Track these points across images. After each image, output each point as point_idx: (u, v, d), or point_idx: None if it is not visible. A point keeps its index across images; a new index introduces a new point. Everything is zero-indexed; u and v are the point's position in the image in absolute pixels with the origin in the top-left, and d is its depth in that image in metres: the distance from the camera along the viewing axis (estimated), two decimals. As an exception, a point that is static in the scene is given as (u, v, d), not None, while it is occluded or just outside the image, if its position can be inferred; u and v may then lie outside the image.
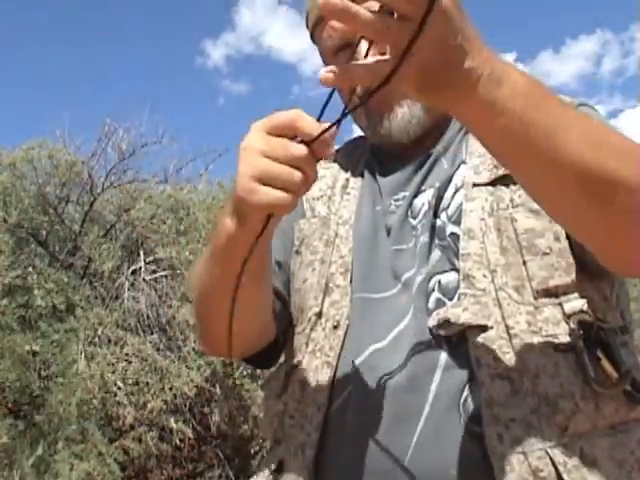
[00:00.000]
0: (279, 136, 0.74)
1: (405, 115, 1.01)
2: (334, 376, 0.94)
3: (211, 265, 0.90)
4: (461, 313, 0.88)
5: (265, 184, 0.73)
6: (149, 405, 5.32)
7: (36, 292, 5.38)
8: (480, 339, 0.86)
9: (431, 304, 0.92)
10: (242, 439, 6.07)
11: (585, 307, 0.86)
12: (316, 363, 0.97)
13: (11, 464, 4.71)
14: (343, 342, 0.95)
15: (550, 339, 0.85)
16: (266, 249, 0.89)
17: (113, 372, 5.33)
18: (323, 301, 0.99)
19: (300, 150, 0.73)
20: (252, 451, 6.05)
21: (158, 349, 5.83)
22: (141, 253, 6.40)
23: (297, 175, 0.73)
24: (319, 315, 0.99)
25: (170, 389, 5.42)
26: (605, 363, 0.83)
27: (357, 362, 0.92)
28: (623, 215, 0.73)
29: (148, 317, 6.03)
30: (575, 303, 0.87)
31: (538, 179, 0.73)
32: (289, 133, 0.73)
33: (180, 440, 5.63)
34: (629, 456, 0.84)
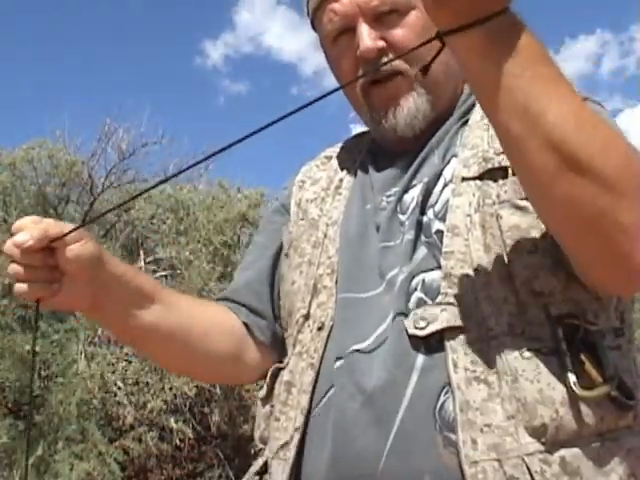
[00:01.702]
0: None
1: (411, 109, 0.98)
2: (317, 378, 0.93)
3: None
4: (439, 313, 0.85)
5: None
6: (149, 405, 5.33)
7: (36, 292, 5.37)
8: (458, 341, 0.83)
9: (412, 304, 0.89)
10: (242, 439, 6.07)
11: (572, 308, 0.84)
12: (302, 365, 0.96)
13: (11, 464, 4.72)
14: (326, 343, 0.94)
15: (532, 342, 0.82)
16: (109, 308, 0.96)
17: (113, 372, 5.33)
18: (311, 303, 0.98)
19: (6, 248, 0.86)
20: (252, 451, 6.01)
21: (158, 349, 5.82)
22: (141, 253, 6.41)
23: (10, 267, 0.86)
24: (306, 317, 0.98)
25: (170, 389, 5.43)
26: (589, 367, 0.80)
27: (338, 364, 0.91)
28: (588, 203, 0.72)
29: (148, 317, 6.02)
30: (561, 304, 0.84)
31: (508, 127, 0.73)
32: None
33: (180, 440, 5.64)
34: (617, 466, 0.80)
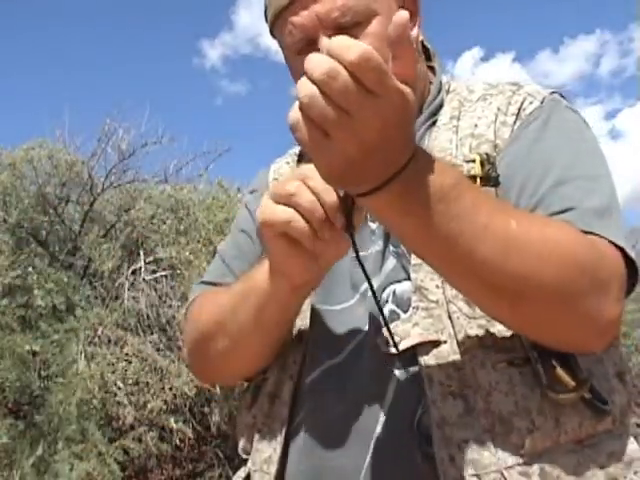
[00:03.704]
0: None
1: None
2: (296, 391, 0.92)
3: (241, 309, 0.92)
4: (410, 329, 0.85)
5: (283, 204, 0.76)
6: (149, 405, 5.32)
7: (36, 292, 5.38)
8: (432, 355, 0.83)
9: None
10: (242, 439, 6.06)
11: None
12: (281, 376, 0.95)
13: (11, 464, 4.71)
14: (304, 355, 0.93)
15: (503, 353, 0.82)
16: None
17: (113, 372, 5.33)
18: None
19: (331, 196, 0.75)
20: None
21: (158, 349, 5.83)
22: (141, 253, 6.40)
23: (317, 209, 0.75)
24: None
25: (170, 389, 5.42)
26: (560, 372, 0.80)
27: (314, 378, 0.90)
28: (537, 312, 0.75)
29: (148, 317, 6.03)
30: None
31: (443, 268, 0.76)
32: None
33: (180, 440, 5.63)
34: (598, 471, 0.79)
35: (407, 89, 0.62)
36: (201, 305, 1.02)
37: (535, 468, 0.78)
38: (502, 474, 0.77)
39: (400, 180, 0.66)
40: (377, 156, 0.63)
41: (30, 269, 5.60)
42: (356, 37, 0.92)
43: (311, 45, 0.94)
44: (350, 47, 0.59)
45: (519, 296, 0.73)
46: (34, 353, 5.15)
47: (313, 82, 0.60)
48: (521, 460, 0.78)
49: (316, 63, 0.60)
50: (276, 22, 0.98)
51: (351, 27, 0.93)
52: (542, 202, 0.83)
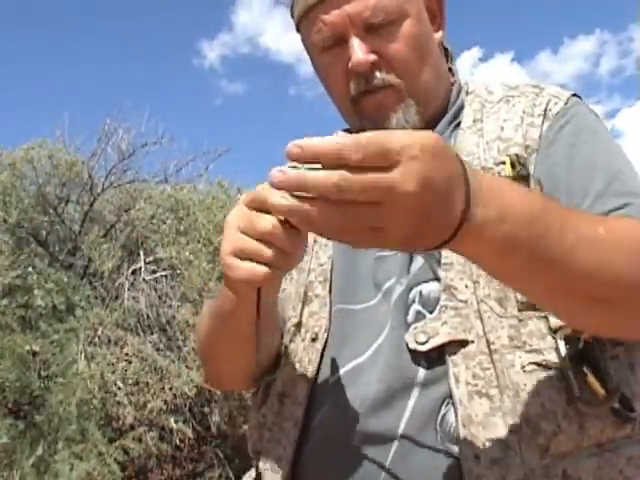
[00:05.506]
0: (258, 210, 0.71)
1: (400, 121, 0.96)
2: (312, 390, 0.92)
3: (215, 323, 0.92)
4: (440, 327, 0.85)
5: (242, 259, 0.73)
6: (149, 405, 5.32)
7: (36, 292, 5.38)
8: (460, 354, 0.83)
9: (410, 317, 0.88)
10: (242, 439, 6.06)
11: None
12: (294, 376, 0.94)
13: (11, 464, 4.71)
14: (322, 356, 0.92)
15: (533, 355, 0.82)
16: (270, 306, 0.90)
17: (113, 372, 5.33)
18: (302, 311, 0.97)
19: (265, 225, 0.70)
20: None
21: (158, 349, 5.83)
22: (141, 253, 6.40)
23: (265, 251, 0.71)
24: (298, 326, 0.97)
25: (170, 389, 5.43)
26: (591, 379, 0.80)
27: (336, 378, 0.90)
28: (626, 312, 0.75)
29: (148, 317, 6.03)
30: None
31: (533, 288, 0.75)
32: (264, 208, 0.70)
33: (180, 440, 5.63)
34: (617, 475, 0.80)
35: (417, 140, 0.59)
36: (198, 323, 1.05)
37: (558, 470, 0.78)
38: (526, 474, 0.78)
39: (471, 223, 0.63)
40: (434, 214, 0.60)
41: (30, 269, 5.61)
42: (386, 36, 0.93)
43: (339, 44, 0.95)
44: (344, 152, 0.57)
45: (609, 301, 0.74)
46: (34, 353, 5.15)
47: (331, 201, 0.58)
48: (545, 461, 0.79)
49: (321, 183, 0.58)
50: (304, 19, 0.98)
51: (382, 27, 0.93)
52: (598, 201, 0.85)
